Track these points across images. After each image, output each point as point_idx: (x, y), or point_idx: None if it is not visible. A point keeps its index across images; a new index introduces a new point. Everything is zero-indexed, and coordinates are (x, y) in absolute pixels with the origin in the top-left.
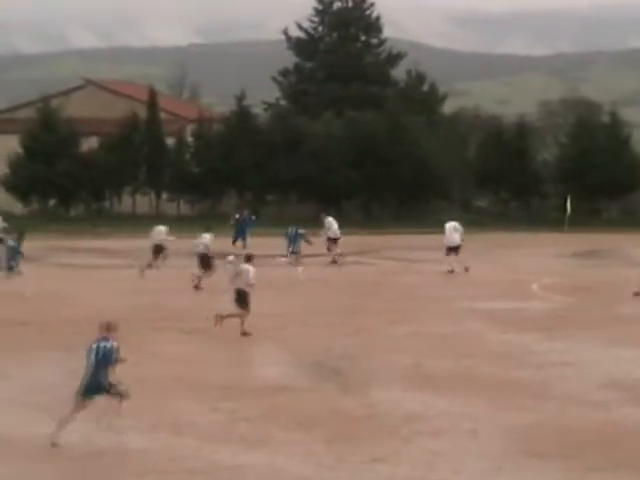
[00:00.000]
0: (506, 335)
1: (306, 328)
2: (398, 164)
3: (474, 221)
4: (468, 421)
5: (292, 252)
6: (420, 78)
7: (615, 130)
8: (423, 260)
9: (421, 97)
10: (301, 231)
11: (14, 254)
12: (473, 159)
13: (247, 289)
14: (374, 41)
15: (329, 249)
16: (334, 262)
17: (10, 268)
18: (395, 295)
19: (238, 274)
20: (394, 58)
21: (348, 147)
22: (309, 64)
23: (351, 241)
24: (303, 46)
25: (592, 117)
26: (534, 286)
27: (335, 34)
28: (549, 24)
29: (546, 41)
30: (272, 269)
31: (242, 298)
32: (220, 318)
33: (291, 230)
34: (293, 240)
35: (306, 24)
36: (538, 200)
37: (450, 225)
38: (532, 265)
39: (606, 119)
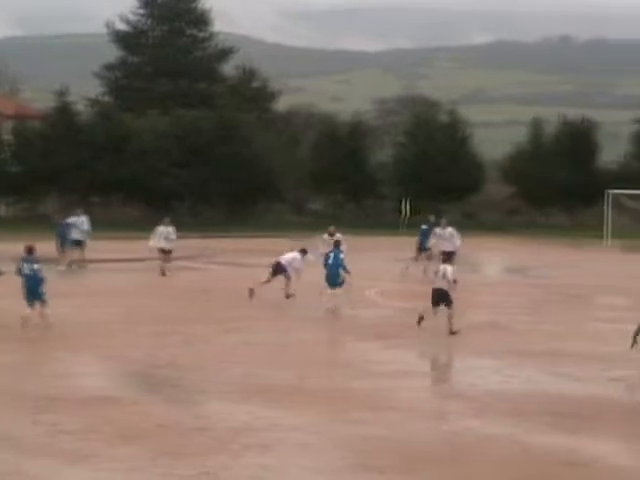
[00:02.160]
0: (342, 344)
1: (132, 337)
2: (229, 164)
3: (308, 224)
4: (300, 434)
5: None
6: (251, 74)
7: (454, 130)
8: (256, 265)
9: (252, 94)
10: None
11: None
12: (307, 159)
13: (446, 287)
14: (203, 35)
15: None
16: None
17: None
18: (227, 302)
19: (438, 274)
20: (224, 53)
21: (176, 146)
22: (135, 59)
23: (181, 245)
24: (128, 40)
25: (430, 116)
26: (371, 292)
27: (162, 27)
28: (386, 19)
29: (382, 36)
30: (95, 274)
31: (443, 297)
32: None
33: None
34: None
35: (132, 17)
36: (374, 202)
37: None
38: (368, 270)
39: (445, 118)
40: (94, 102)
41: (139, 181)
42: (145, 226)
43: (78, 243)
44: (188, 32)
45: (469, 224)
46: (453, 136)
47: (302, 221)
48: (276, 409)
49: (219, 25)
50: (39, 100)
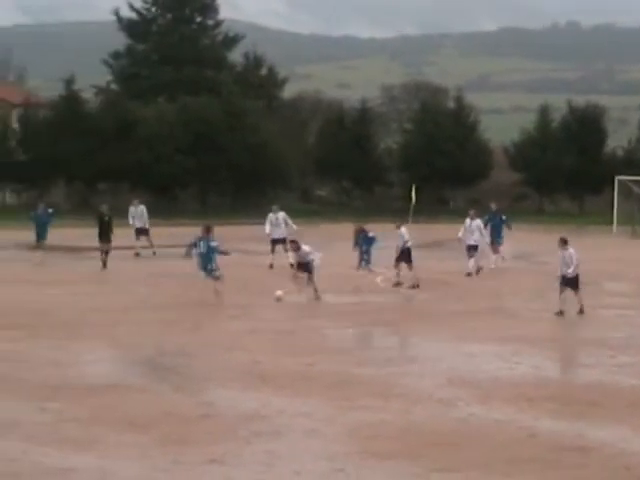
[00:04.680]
0: (348, 330)
1: (139, 324)
2: (235, 151)
3: (315, 211)
4: (308, 420)
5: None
6: (258, 61)
7: (461, 116)
8: (262, 252)
9: (260, 81)
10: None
11: None
12: (314, 146)
13: (576, 273)
14: (210, 22)
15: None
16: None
17: None
18: (235, 289)
19: (564, 260)
20: (231, 41)
21: (182, 133)
22: (142, 46)
23: (186, 232)
24: (135, 27)
25: (437, 102)
26: (378, 279)
27: (169, 15)
28: (392, 5)
29: (389, 23)
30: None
31: (576, 281)
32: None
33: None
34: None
35: (138, 4)
36: (382, 189)
37: None
38: (376, 257)
39: (452, 104)
40: (101, 90)
41: (146, 168)
42: (152, 213)
43: (141, 231)
44: (194, 20)
45: (476, 210)
46: (460, 122)
47: (309, 208)
48: (284, 396)
49: (224, 12)
50: (46, 89)
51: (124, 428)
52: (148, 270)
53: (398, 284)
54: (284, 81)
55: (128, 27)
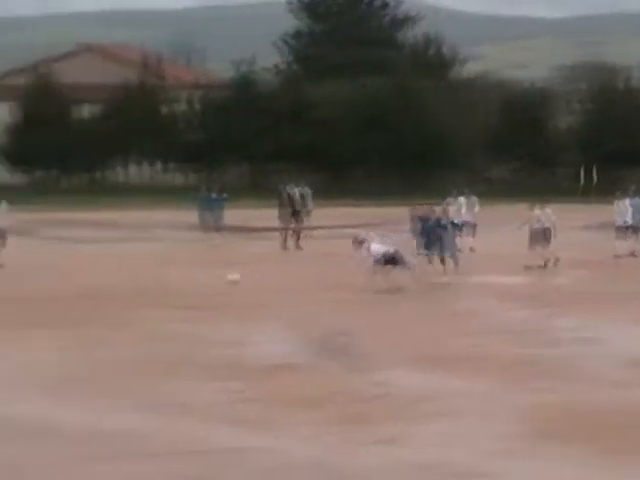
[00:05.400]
0: (518, 311)
1: (312, 305)
2: (410, 132)
3: (488, 192)
4: (480, 402)
5: None
6: (437, 42)
7: (637, 96)
8: None
9: (435, 61)
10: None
11: None
12: (489, 126)
13: None
14: (390, 2)
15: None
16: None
17: None
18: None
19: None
20: (410, 21)
21: (358, 114)
22: (320, 26)
23: (352, 212)
24: (314, 8)
25: (613, 82)
26: (548, 262)
27: None
28: None
29: (562, 3)
30: (267, 242)
31: None
32: None
33: None
34: None
35: None
36: (556, 169)
37: None
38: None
39: (628, 84)
40: (280, 70)
41: (319, 149)
42: (321, 194)
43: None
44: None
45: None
46: (636, 103)
47: (482, 189)
48: (453, 377)
49: None
50: (219, 70)
51: (297, 408)
52: (321, 250)
53: (532, 267)
54: (462, 62)
55: (307, 7)
